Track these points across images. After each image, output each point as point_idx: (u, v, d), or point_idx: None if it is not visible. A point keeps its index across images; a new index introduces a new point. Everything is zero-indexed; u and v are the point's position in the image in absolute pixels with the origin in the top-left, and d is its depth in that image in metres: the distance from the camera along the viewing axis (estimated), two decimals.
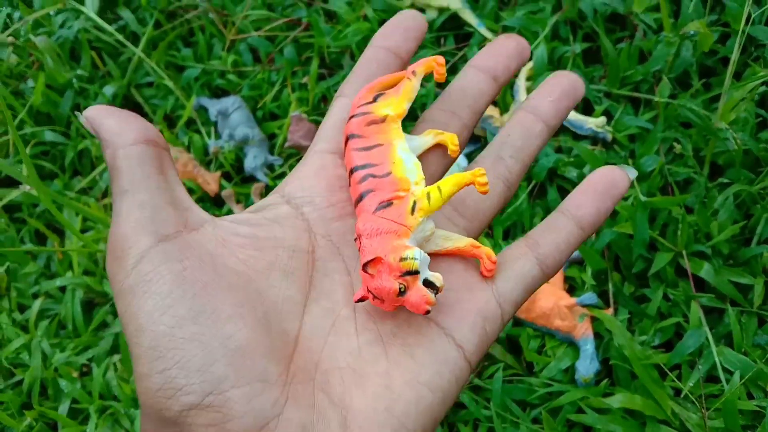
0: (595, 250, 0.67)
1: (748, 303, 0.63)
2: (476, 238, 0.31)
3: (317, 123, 0.86)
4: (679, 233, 0.64)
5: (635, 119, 0.74)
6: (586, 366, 0.63)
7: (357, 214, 0.30)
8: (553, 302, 0.66)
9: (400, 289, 0.27)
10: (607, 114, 0.76)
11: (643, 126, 0.74)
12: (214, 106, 0.87)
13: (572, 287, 0.69)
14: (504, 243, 0.72)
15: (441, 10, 0.87)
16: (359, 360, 0.27)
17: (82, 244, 0.76)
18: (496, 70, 0.34)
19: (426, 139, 0.32)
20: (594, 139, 0.76)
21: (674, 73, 0.76)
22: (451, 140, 0.32)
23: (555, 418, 0.62)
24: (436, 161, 0.33)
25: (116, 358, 0.73)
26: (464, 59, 0.85)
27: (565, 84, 0.33)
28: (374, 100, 0.32)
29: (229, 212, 0.81)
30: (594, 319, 0.65)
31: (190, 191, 0.82)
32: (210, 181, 0.83)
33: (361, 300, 0.28)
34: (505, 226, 0.73)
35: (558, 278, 0.68)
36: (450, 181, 0.28)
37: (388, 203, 0.29)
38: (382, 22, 0.88)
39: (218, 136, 0.88)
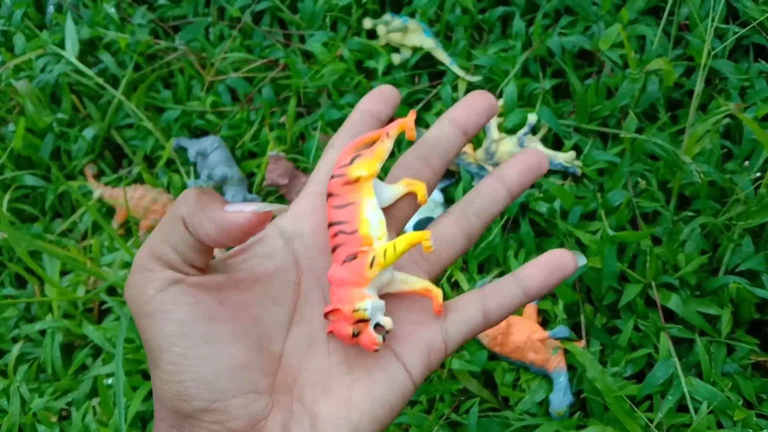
0: (566, 284, 0.68)
1: (717, 332, 0.64)
2: (435, 279, 0.37)
3: (295, 161, 0.87)
4: (648, 265, 0.66)
5: (604, 153, 0.76)
6: (560, 399, 0.63)
7: (333, 261, 0.35)
8: (526, 336, 0.66)
9: (353, 333, 0.33)
10: (577, 148, 0.78)
11: (611, 160, 0.75)
12: (193, 147, 0.89)
13: (546, 320, 0.70)
14: (478, 276, 0.73)
15: (415, 50, 0.89)
16: (329, 376, 0.34)
17: (57, 291, 0.76)
18: (467, 125, 0.37)
19: (399, 188, 0.37)
20: (564, 173, 0.77)
21: (641, 107, 0.78)
22: (420, 190, 0.36)
23: None
24: (407, 205, 0.38)
25: (95, 401, 0.73)
26: (437, 97, 0.87)
27: (532, 160, 0.38)
28: (351, 161, 0.36)
29: None
30: (567, 352, 0.66)
31: None
32: None
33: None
34: (479, 260, 0.75)
35: (531, 312, 0.69)
36: (403, 240, 0.33)
37: (354, 256, 0.34)
38: (357, 62, 0.90)
39: (197, 176, 0.89)
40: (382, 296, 0.35)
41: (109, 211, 0.91)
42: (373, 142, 0.37)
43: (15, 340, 0.81)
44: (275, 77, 0.93)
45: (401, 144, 0.81)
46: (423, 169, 0.38)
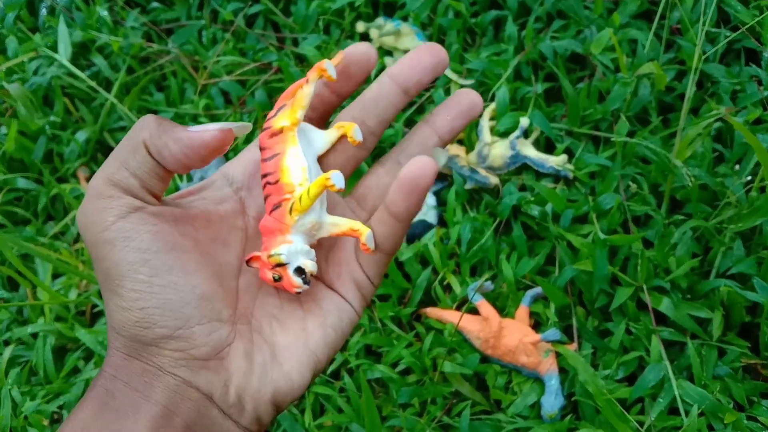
0: (557, 287, 0.68)
1: (708, 335, 0.64)
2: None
3: None
4: (639, 268, 0.66)
5: (595, 157, 0.76)
6: (551, 402, 0.64)
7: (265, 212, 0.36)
8: (518, 339, 0.67)
9: (274, 278, 0.35)
10: (569, 152, 0.78)
11: (602, 164, 0.76)
12: None
13: (537, 323, 0.71)
14: (471, 279, 0.74)
15: (407, 53, 0.89)
16: (281, 311, 0.36)
17: (48, 296, 0.76)
18: (408, 84, 0.36)
19: (332, 133, 0.37)
20: (556, 176, 0.77)
21: (633, 110, 0.78)
22: (349, 130, 0.37)
23: None
24: (348, 153, 0.38)
25: None
26: (430, 100, 0.87)
27: (464, 104, 0.38)
28: (276, 113, 0.36)
29: None
30: (559, 355, 0.66)
31: None
32: None
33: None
34: (472, 263, 0.75)
35: (523, 315, 0.70)
36: (314, 185, 0.34)
37: (278, 205, 0.35)
38: None
39: (190, 178, 0.89)
40: (319, 241, 0.36)
41: None
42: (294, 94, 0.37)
43: (7, 343, 0.81)
44: (268, 80, 0.93)
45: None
46: (360, 128, 0.38)
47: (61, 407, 0.74)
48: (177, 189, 0.88)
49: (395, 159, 0.38)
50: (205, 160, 0.32)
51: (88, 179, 0.93)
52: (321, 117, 0.38)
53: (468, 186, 0.79)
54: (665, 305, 0.65)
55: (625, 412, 0.61)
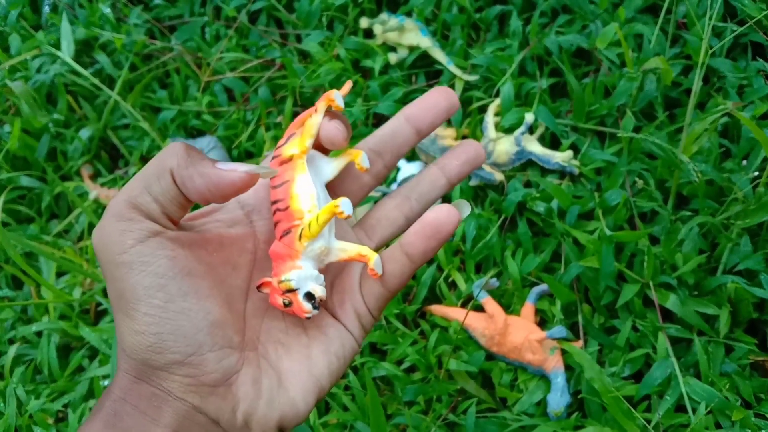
0: (563, 284, 0.68)
1: (715, 332, 0.64)
2: (378, 250, 0.39)
3: None
4: (645, 265, 0.65)
5: (601, 153, 0.76)
6: (557, 399, 0.63)
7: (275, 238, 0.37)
8: (524, 336, 0.66)
9: (284, 303, 0.35)
10: (574, 147, 0.78)
11: (608, 159, 0.75)
12: None
13: (543, 320, 0.70)
14: (476, 276, 0.73)
15: (412, 49, 0.89)
16: (287, 336, 0.37)
17: (53, 295, 0.76)
18: (422, 125, 0.39)
19: (340, 160, 0.38)
20: (561, 172, 0.77)
21: (639, 106, 0.77)
22: (357, 156, 0.38)
23: None
24: (358, 182, 0.40)
25: (92, 403, 0.73)
26: None
27: (470, 152, 0.40)
28: (287, 141, 0.37)
29: None
30: (564, 352, 0.66)
31: None
32: None
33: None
34: (477, 260, 0.74)
35: (529, 312, 0.69)
36: (323, 211, 0.35)
37: (288, 231, 0.35)
38: (354, 62, 0.90)
39: None
40: (329, 265, 0.37)
41: None
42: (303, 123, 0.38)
43: (11, 341, 0.81)
44: (271, 77, 0.93)
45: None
46: (376, 161, 0.40)
47: (65, 406, 0.74)
48: None
49: (405, 195, 0.40)
50: (226, 198, 0.33)
51: (91, 177, 0.92)
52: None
53: (473, 182, 0.79)
54: (672, 302, 0.64)
55: (632, 410, 0.60)
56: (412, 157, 0.84)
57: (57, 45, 0.96)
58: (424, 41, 0.87)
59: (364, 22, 0.91)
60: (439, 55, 0.87)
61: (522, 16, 0.88)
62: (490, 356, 0.69)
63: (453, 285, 0.75)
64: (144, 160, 0.93)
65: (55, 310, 0.81)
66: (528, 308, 0.69)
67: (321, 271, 0.36)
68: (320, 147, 0.38)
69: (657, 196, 0.71)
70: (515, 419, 0.65)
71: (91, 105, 0.96)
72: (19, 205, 0.91)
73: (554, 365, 0.65)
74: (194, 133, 0.94)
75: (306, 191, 0.35)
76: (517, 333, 0.67)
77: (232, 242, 0.37)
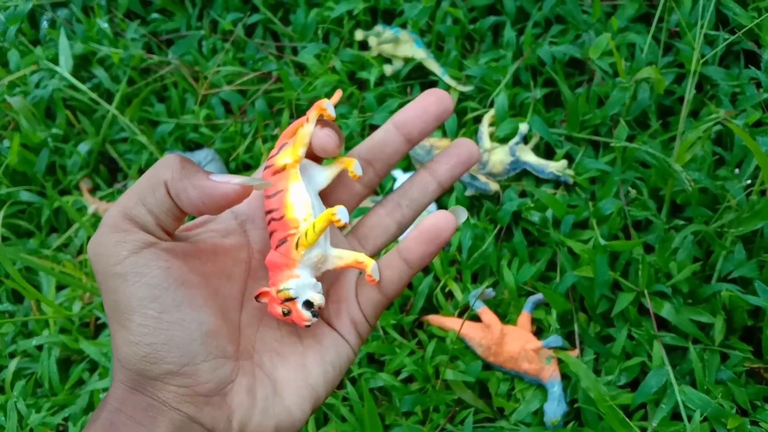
0: (558, 293, 0.68)
1: (710, 340, 0.64)
2: (372, 257, 0.39)
3: None
4: (640, 273, 0.66)
5: (595, 162, 0.76)
6: (554, 408, 0.64)
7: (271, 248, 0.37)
8: (520, 345, 0.67)
9: (283, 312, 0.35)
10: (569, 157, 0.78)
11: (602, 169, 0.75)
12: None
13: (539, 329, 0.71)
14: (472, 286, 0.74)
15: (407, 61, 0.89)
16: (282, 345, 0.37)
17: (52, 310, 0.77)
18: (412, 133, 0.39)
19: (333, 168, 0.38)
20: (556, 182, 0.77)
21: (632, 115, 0.78)
22: (350, 164, 0.38)
23: None
24: (351, 191, 0.40)
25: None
26: None
27: (462, 153, 0.39)
28: (279, 151, 0.37)
29: None
30: (561, 361, 0.66)
31: None
32: None
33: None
34: (473, 270, 0.75)
35: (525, 321, 0.70)
36: (319, 219, 0.35)
37: (284, 240, 0.36)
38: (350, 74, 0.90)
39: None
40: (324, 273, 0.37)
41: None
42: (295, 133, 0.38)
43: (12, 355, 0.82)
44: (268, 89, 0.94)
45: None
46: (366, 170, 0.40)
47: (66, 419, 0.75)
48: None
49: (396, 201, 0.40)
50: (220, 210, 0.33)
51: (90, 191, 0.93)
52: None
53: (468, 193, 0.79)
54: (667, 310, 0.65)
55: (627, 419, 0.60)
56: (408, 167, 0.85)
57: (55, 60, 0.97)
58: (419, 53, 0.88)
59: (359, 35, 0.92)
60: (434, 66, 0.87)
61: (516, 26, 0.88)
62: (487, 366, 0.69)
63: (450, 295, 0.75)
64: (142, 173, 0.94)
65: (56, 324, 0.81)
66: (524, 318, 0.70)
67: (317, 279, 0.36)
68: (312, 156, 0.38)
69: (651, 204, 0.72)
70: (512, 429, 0.65)
71: (89, 119, 0.97)
72: (18, 219, 0.92)
73: (551, 374, 0.66)
74: (192, 145, 0.95)
75: (300, 200, 0.36)
76: (514, 342, 0.67)
77: (227, 252, 0.37)
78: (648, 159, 0.73)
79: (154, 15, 1.04)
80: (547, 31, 0.87)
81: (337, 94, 0.37)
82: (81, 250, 0.89)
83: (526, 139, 0.80)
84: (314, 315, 0.35)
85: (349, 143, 0.85)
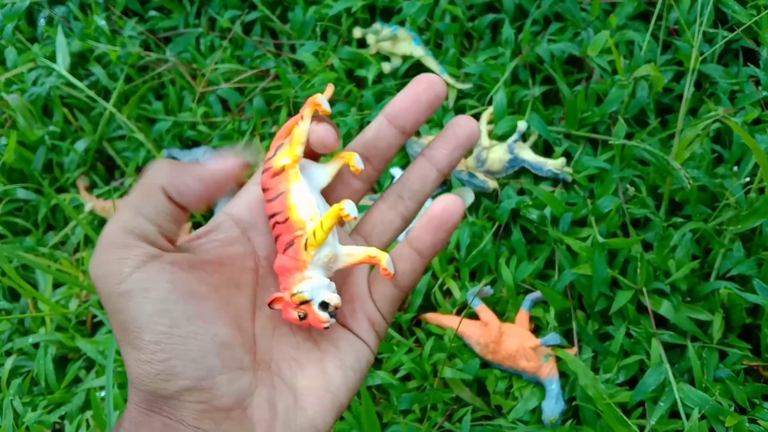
0: (557, 291, 0.68)
1: (709, 338, 0.64)
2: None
3: None
4: (639, 271, 0.66)
5: (593, 160, 0.76)
6: (552, 406, 0.63)
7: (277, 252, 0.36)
8: (518, 343, 0.66)
9: (299, 316, 0.34)
10: (567, 155, 0.78)
11: (601, 166, 0.75)
12: (185, 158, 0.89)
13: (537, 327, 0.70)
14: (470, 284, 0.73)
15: (405, 58, 0.89)
16: (299, 352, 0.36)
17: (49, 308, 0.76)
18: (405, 125, 0.37)
19: (333, 165, 0.37)
20: (554, 180, 0.77)
21: (631, 112, 0.78)
22: (351, 160, 0.36)
23: None
24: (351, 188, 0.39)
25: (88, 414, 0.73)
26: None
27: (461, 136, 0.38)
28: (275, 153, 0.36)
29: None
30: (559, 359, 0.66)
31: None
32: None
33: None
34: (471, 268, 0.75)
35: (523, 319, 0.69)
36: (327, 217, 0.34)
37: (291, 243, 0.35)
38: (348, 71, 0.90)
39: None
40: (337, 273, 0.36)
41: (102, 224, 0.91)
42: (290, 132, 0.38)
43: (8, 353, 0.81)
44: (266, 87, 0.94)
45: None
46: (364, 165, 0.38)
47: (62, 417, 0.74)
48: None
49: (397, 194, 0.39)
50: (223, 192, 0.33)
51: (87, 189, 0.93)
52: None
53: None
54: (665, 308, 0.65)
55: (625, 417, 0.60)
56: (407, 165, 0.85)
57: (52, 57, 0.96)
58: (417, 50, 0.88)
59: (357, 32, 0.92)
60: (432, 64, 0.87)
61: (514, 24, 0.88)
62: (485, 364, 0.69)
63: (448, 293, 0.75)
64: (139, 171, 0.93)
65: (52, 322, 0.81)
66: (522, 315, 0.70)
67: (331, 278, 0.35)
68: (310, 154, 0.37)
69: (649, 202, 0.71)
70: (510, 427, 0.65)
71: (86, 117, 0.96)
72: (15, 217, 0.92)
73: (549, 372, 0.65)
74: (189, 143, 0.94)
75: (304, 200, 0.35)
76: (512, 340, 0.67)
77: (233, 261, 0.36)
78: (647, 157, 0.73)
79: (152, 12, 1.03)
80: (546, 28, 0.87)
81: (329, 89, 0.36)
82: (78, 248, 0.88)
83: (524, 137, 0.79)
84: (332, 316, 0.34)
85: (347, 142, 0.85)
